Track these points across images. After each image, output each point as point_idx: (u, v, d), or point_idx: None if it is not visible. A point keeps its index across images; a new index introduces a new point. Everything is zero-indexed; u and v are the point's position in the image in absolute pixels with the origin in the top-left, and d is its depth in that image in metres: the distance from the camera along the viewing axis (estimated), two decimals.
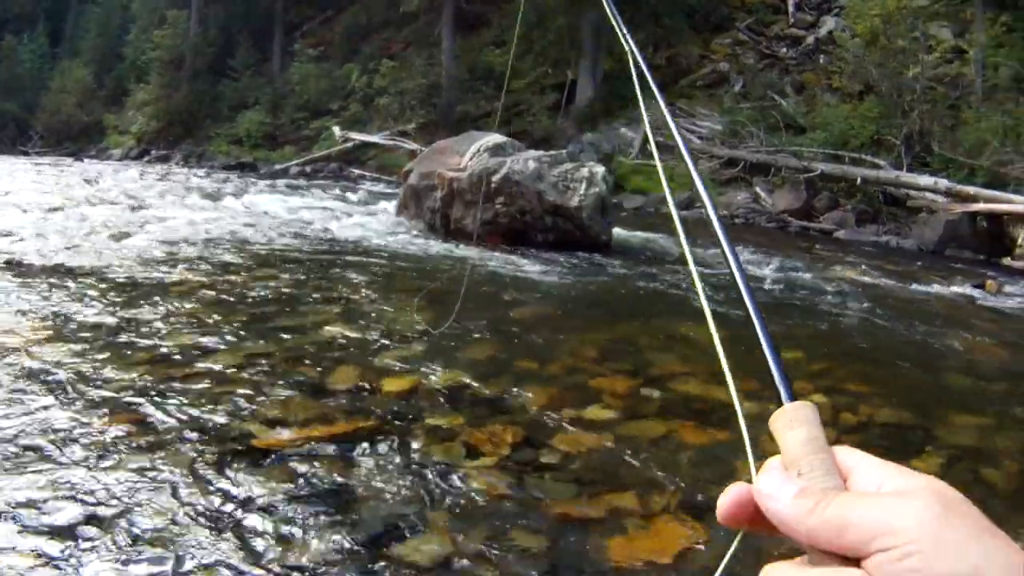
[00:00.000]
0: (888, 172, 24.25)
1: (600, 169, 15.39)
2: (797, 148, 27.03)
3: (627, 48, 1.31)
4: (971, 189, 22.25)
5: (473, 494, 5.00)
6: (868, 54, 28.14)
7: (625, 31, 1.33)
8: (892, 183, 24.08)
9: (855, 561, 0.74)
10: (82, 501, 4.48)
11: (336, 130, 41.05)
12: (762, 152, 27.58)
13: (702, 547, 4.73)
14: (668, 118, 1.20)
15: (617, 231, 16.46)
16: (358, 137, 39.39)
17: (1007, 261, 20.14)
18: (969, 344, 10.88)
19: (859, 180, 24.39)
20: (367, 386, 6.71)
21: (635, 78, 1.25)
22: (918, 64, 26.37)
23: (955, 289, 15.34)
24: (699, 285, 1.02)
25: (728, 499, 0.88)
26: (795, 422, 0.87)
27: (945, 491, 0.78)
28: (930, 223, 22.42)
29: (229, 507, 4.57)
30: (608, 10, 1.33)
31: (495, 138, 16.69)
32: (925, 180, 23.33)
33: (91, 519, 4.30)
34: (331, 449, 5.44)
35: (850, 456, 0.84)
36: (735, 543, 0.87)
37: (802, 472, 0.82)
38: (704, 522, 5.02)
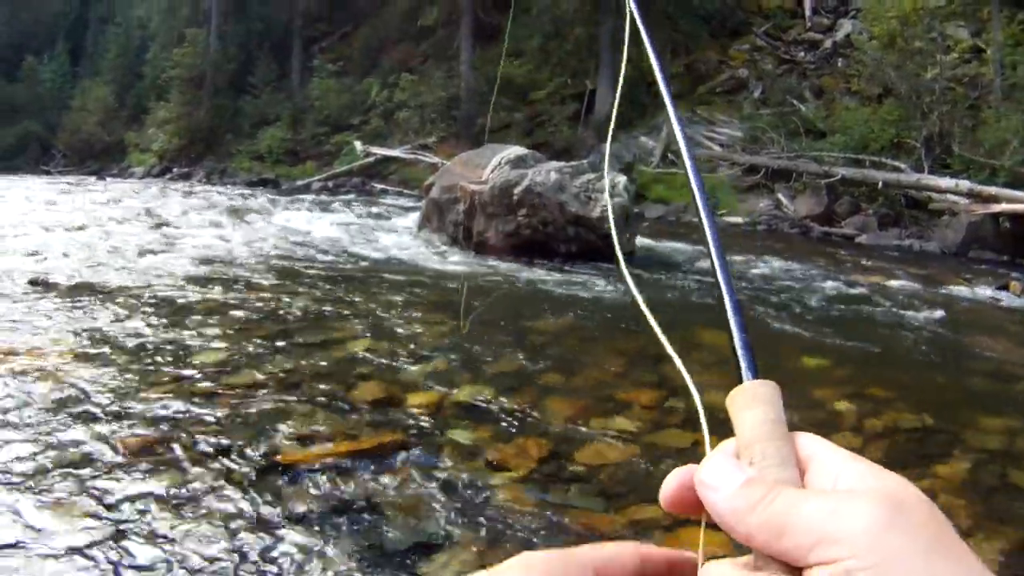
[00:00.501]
0: (909, 175, 24.16)
1: (622, 179, 15.39)
2: (817, 153, 26.97)
3: (647, 49, 1.27)
4: (993, 190, 22.13)
5: (500, 509, 5.00)
6: (886, 56, 28.07)
7: (645, 34, 1.29)
8: (913, 186, 23.99)
9: (799, 571, 0.66)
10: (107, 519, 4.50)
11: (357, 145, 41.12)
12: (783, 158, 27.53)
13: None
14: (675, 125, 1.07)
15: (640, 241, 16.45)
16: (379, 151, 39.47)
17: None
18: (994, 346, 10.84)
19: (880, 184, 24.28)
20: (392, 401, 6.71)
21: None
22: (936, 65, 26.33)
23: (979, 291, 15.28)
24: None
25: (672, 483, 0.80)
26: (754, 402, 0.79)
27: (902, 492, 0.67)
28: (952, 225, 22.35)
29: (255, 524, 4.59)
30: (629, 9, 1.29)
31: (516, 150, 16.72)
32: (946, 182, 23.23)
33: (117, 537, 4.32)
34: (357, 464, 5.44)
35: (812, 444, 0.75)
36: (702, 539, 0.79)
37: (754, 460, 0.74)
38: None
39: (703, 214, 0.97)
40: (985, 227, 21.50)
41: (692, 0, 35.08)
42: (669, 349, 0.93)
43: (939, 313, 12.66)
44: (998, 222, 21.50)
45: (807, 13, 37.18)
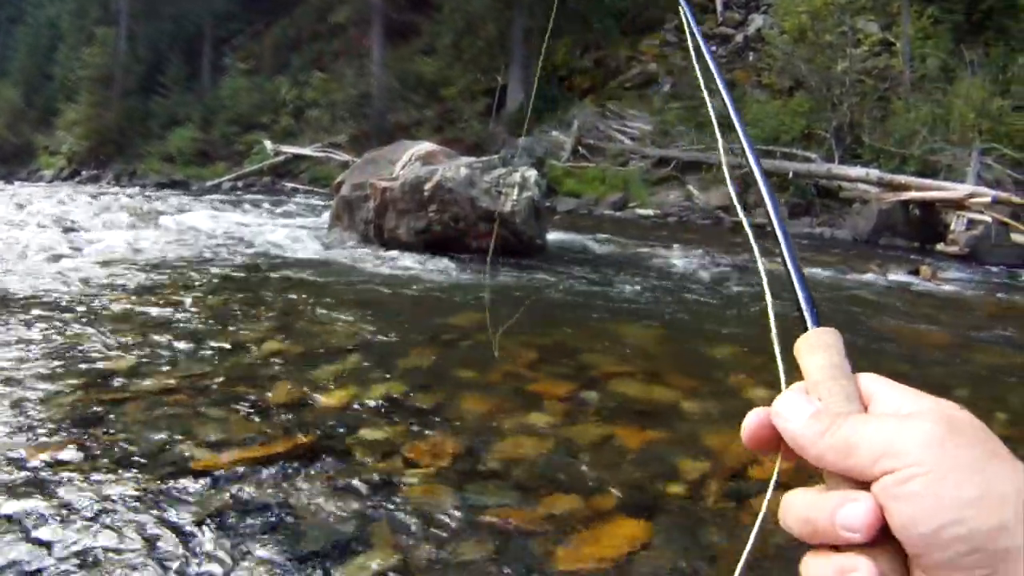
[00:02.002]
0: (820, 165, 24.65)
1: (532, 173, 15.37)
2: (728, 145, 27.17)
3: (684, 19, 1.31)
4: (903, 178, 22.73)
5: (416, 507, 4.97)
6: (797, 50, 28.55)
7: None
8: (824, 175, 24.46)
9: (866, 485, 0.74)
10: (15, 531, 4.40)
11: (267, 144, 40.81)
12: (693, 150, 27.78)
13: (649, 549, 4.74)
14: (731, 110, 1.24)
15: (551, 235, 16.48)
16: (289, 150, 39.21)
17: (941, 247, 20.70)
18: (907, 330, 11.04)
19: (791, 174, 24.72)
20: (305, 402, 6.66)
21: (692, 52, 1.24)
22: (846, 58, 26.85)
23: (891, 277, 15.59)
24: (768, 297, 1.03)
25: (750, 423, 0.90)
26: (817, 347, 0.87)
27: (954, 413, 0.76)
28: (863, 213, 22.89)
29: (168, 533, 4.51)
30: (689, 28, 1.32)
31: (427, 146, 16.67)
32: (857, 171, 23.79)
33: (24, 549, 4.22)
34: (271, 468, 5.38)
35: (873, 383, 0.84)
36: (776, 469, 0.89)
37: (822, 397, 0.83)
38: (650, 523, 5.04)
39: (763, 189, 1.14)
40: (895, 215, 22.02)
41: None
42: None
43: (851, 298, 12.87)
44: (908, 209, 22.04)
45: (719, 8, 37.58)
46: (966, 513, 0.68)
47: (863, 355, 9.49)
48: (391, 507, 4.96)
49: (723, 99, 1.20)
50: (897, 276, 15.86)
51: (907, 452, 0.71)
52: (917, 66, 28.54)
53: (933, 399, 0.78)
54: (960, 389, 8.36)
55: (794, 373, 0.90)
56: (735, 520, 5.23)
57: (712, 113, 1.22)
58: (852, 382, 0.83)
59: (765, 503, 0.86)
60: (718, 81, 1.24)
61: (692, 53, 1.32)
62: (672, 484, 5.61)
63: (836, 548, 0.76)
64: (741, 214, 1.19)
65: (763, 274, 1.08)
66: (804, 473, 0.85)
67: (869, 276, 15.71)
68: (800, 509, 0.79)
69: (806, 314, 0.92)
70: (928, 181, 22.62)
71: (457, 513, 4.93)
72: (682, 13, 1.36)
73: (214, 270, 12.82)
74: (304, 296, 10.99)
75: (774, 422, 0.85)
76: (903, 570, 0.72)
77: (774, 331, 0.95)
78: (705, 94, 1.25)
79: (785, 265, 0.99)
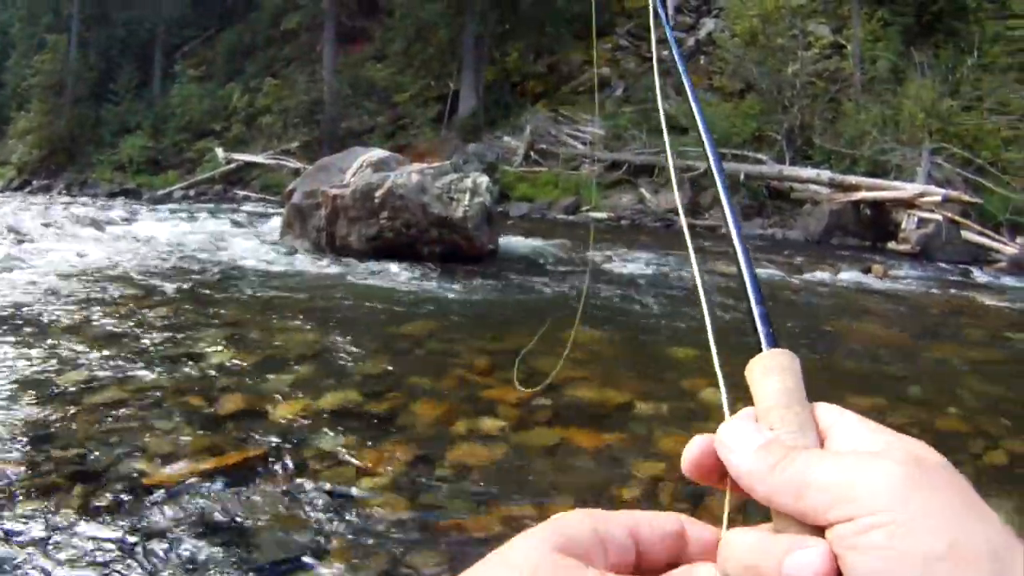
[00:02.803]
0: (771, 167, 24.85)
1: (484, 179, 15.35)
2: (680, 148, 27.38)
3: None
4: (853, 179, 23.04)
5: (369, 516, 4.96)
6: (748, 53, 28.74)
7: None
8: (776, 177, 24.65)
9: (821, 530, 0.66)
10: None
11: (219, 152, 40.53)
12: (645, 153, 27.85)
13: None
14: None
15: (503, 240, 16.47)
16: (241, 158, 38.95)
17: (892, 246, 20.98)
18: (860, 327, 11.17)
19: (742, 176, 24.82)
20: (257, 412, 6.62)
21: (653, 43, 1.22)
22: (797, 61, 26.99)
23: (843, 276, 15.74)
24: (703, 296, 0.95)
25: (692, 451, 0.79)
26: (771, 370, 0.79)
27: (922, 453, 0.69)
28: (815, 214, 23.13)
29: (120, 549, 4.47)
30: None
31: (378, 153, 16.63)
32: (808, 172, 24.06)
33: None
34: (223, 480, 5.35)
35: (830, 413, 0.76)
36: (727, 506, 0.78)
37: (773, 427, 0.75)
38: None
39: (723, 194, 1.07)
40: (846, 215, 22.28)
41: (557, 2, 35.17)
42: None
43: (804, 298, 12.97)
44: (859, 209, 22.29)
45: (670, 12, 37.62)
46: (934, 569, 0.60)
47: (816, 355, 9.58)
48: (345, 517, 4.94)
49: (689, 99, 1.16)
50: (849, 275, 16.00)
51: (868, 497, 0.63)
52: (867, 68, 28.96)
53: (898, 435, 0.71)
54: (912, 385, 8.46)
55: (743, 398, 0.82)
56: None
57: (663, 116, 1.19)
58: (808, 411, 0.77)
59: (724, 521, 0.76)
60: (684, 80, 1.20)
61: (652, 49, 1.30)
62: (626, 487, 5.64)
63: None
64: (684, 224, 1.15)
65: (700, 288, 1.02)
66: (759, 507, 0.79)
67: (821, 275, 15.84)
68: (743, 553, 0.71)
69: (760, 333, 0.84)
70: (879, 181, 22.90)
71: (411, 522, 4.93)
72: (651, 4, 1.33)
73: (165, 280, 12.69)
74: (255, 305, 10.91)
75: (719, 452, 0.76)
76: None
77: (714, 350, 0.90)
78: (659, 94, 1.23)
79: (742, 279, 0.89)
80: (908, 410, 7.64)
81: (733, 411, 0.80)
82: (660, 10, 1.28)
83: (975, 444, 6.27)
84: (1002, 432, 6.77)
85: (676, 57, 1.24)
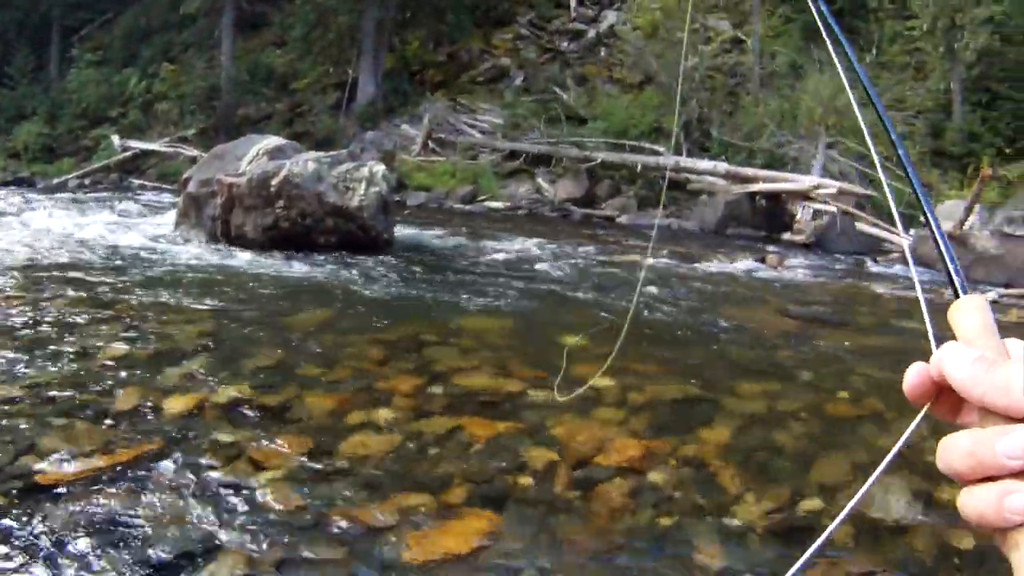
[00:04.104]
0: (668, 158, 25.05)
1: (380, 168, 15.30)
2: (578, 139, 27.55)
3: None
4: (750, 171, 23.55)
5: (266, 510, 4.99)
6: (648, 46, 28.96)
7: None
8: (673, 168, 24.88)
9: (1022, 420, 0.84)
10: None
11: (115, 139, 39.83)
12: (543, 143, 27.98)
13: (498, 540, 4.80)
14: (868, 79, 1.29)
15: (400, 229, 16.42)
16: (137, 145, 38.25)
17: (787, 236, 21.55)
18: (754, 316, 11.38)
19: (639, 167, 25.10)
20: (151, 407, 6.57)
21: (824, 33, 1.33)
22: (697, 54, 27.28)
23: (738, 265, 16.01)
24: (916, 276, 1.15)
25: (911, 374, 0.97)
26: (970, 310, 0.96)
27: None
28: (711, 205, 23.57)
29: (12, 548, 4.44)
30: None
31: (274, 140, 16.49)
32: (704, 164, 24.47)
33: None
34: (118, 477, 5.32)
35: (1017, 346, 0.92)
36: (918, 418, 0.97)
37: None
38: (500, 513, 5.10)
39: (909, 169, 1.25)
40: (742, 206, 22.71)
41: None
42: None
43: (699, 287, 13.15)
44: (755, 201, 22.68)
45: (572, 4, 37.84)
46: None
47: (708, 344, 9.75)
48: (241, 511, 4.96)
49: (872, 102, 1.29)
50: (744, 264, 16.29)
51: None
52: (767, 63, 29.47)
53: None
54: (805, 372, 8.69)
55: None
56: (583, 508, 5.34)
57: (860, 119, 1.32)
58: (1000, 342, 0.92)
59: (904, 438, 0.97)
60: (864, 80, 1.33)
61: (831, 49, 1.41)
62: (520, 475, 5.72)
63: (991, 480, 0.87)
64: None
65: (911, 261, 1.18)
66: None
67: (716, 265, 16.10)
68: (964, 445, 0.87)
69: (956, 283, 1.02)
70: (775, 173, 23.41)
71: (307, 514, 4.97)
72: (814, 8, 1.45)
73: (57, 272, 12.43)
74: (150, 298, 10.70)
75: (941, 368, 0.92)
76: None
77: (923, 301, 1.09)
78: (851, 95, 1.36)
79: (936, 244, 1.08)
80: (800, 395, 7.84)
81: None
82: (831, 20, 1.39)
83: (866, 428, 6.45)
84: (893, 416, 6.99)
85: (856, 69, 1.34)
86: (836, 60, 1.35)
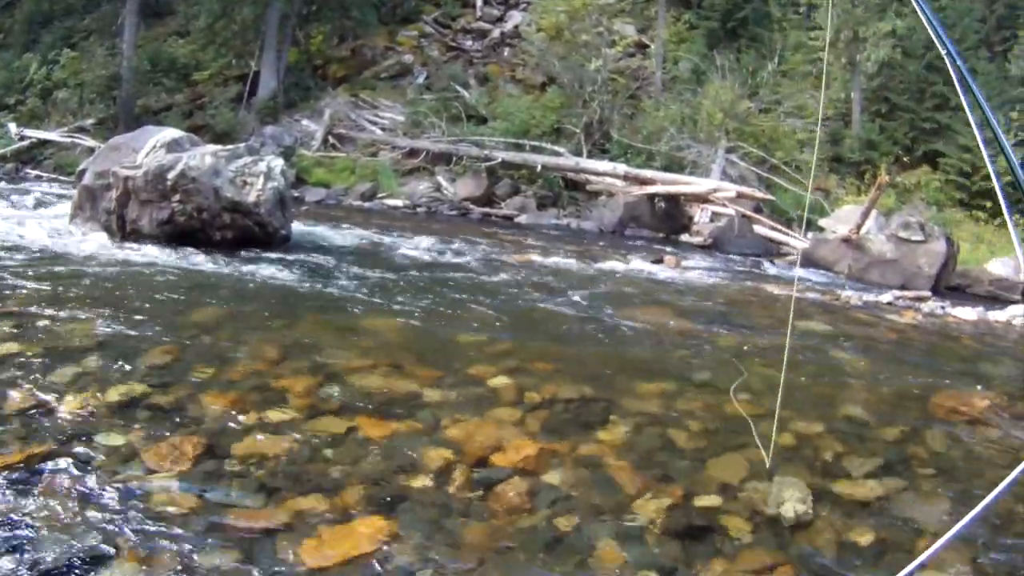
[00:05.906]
0: (568, 159, 25.33)
1: (279, 163, 15.16)
2: (479, 138, 27.58)
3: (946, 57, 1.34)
4: (649, 173, 23.96)
5: (159, 513, 4.98)
6: (552, 47, 29.13)
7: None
8: (572, 169, 25.21)
9: None
10: None
11: (12, 127, 39.12)
12: (443, 142, 27.98)
13: (395, 542, 4.82)
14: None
15: (297, 226, 16.26)
16: (34, 134, 37.39)
17: (685, 238, 22.11)
18: (650, 316, 11.51)
19: (539, 167, 25.27)
20: (41, 407, 6.46)
21: (956, 83, 1.29)
22: (600, 57, 27.49)
23: (635, 266, 16.21)
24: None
25: None
26: None
27: None
28: (609, 206, 23.95)
29: None
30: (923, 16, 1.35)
31: (172, 132, 16.22)
32: (604, 165, 24.76)
33: None
34: (6, 481, 5.25)
35: None
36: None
37: None
38: (395, 514, 5.13)
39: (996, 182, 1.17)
40: (641, 207, 23.07)
41: None
42: None
43: (597, 287, 13.33)
44: (654, 202, 22.95)
45: (477, 3, 37.89)
46: None
47: (604, 344, 9.87)
48: (133, 516, 4.93)
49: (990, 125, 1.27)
50: (641, 265, 16.50)
51: None
52: (669, 68, 30.09)
53: None
54: (701, 371, 8.89)
55: None
56: (481, 508, 5.39)
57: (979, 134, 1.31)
58: None
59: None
60: (994, 128, 1.30)
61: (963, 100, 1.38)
62: (416, 476, 5.77)
63: None
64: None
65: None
66: None
67: (613, 265, 16.28)
68: None
69: None
70: (674, 176, 23.88)
71: (200, 518, 4.97)
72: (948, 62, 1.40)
73: None
74: (41, 293, 10.37)
75: None
76: None
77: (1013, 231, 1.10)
78: (974, 130, 1.37)
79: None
80: (697, 395, 7.98)
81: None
82: (967, 76, 1.36)
83: (764, 426, 6.51)
84: (789, 414, 7.10)
85: (977, 96, 1.33)
86: (968, 113, 1.36)
